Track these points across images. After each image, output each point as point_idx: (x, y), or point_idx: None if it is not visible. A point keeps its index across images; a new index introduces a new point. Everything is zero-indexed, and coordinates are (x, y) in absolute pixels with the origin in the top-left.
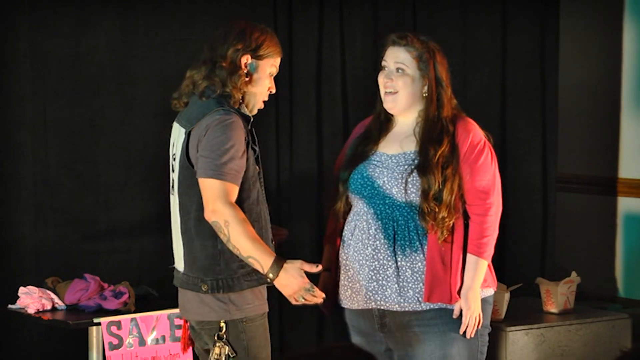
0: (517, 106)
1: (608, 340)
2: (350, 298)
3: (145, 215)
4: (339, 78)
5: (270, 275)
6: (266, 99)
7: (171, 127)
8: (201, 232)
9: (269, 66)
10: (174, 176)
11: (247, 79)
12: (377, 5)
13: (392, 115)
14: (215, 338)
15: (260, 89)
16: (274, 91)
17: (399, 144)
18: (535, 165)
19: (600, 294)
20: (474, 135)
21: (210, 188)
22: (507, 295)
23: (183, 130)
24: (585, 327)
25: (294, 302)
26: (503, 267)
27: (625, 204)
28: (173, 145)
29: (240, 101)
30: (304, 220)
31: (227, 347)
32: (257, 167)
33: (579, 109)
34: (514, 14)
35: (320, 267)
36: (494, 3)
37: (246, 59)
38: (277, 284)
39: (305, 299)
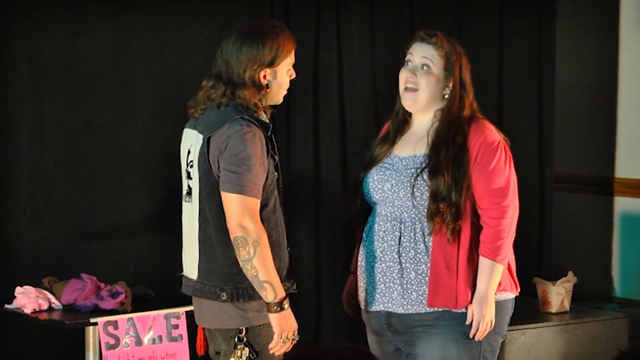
0: (514, 106)
1: (605, 340)
2: (364, 299)
3: (141, 215)
4: (336, 77)
5: (277, 307)
6: (288, 86)
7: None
8: (223, 241)
9: (287, 65)
10: (191, 183)
11: (268, 90)
12: (374, 5)
13: (410, 114)
14: (236, 340)
15: (282, 88)
16: (294, 76)
17: (412, 145)
18: (532, 165)
19: (597, 293)
20: (486, 137)
21: (236, 203)
22: None
23: (201, 137)
24: (582, 326)
25: (278, 339)
26: None
27: (622, 204)
28: (189, 152)
29: (263, 108)
30: (301, 219)
31: (247, 349)
32: (276, 174)
33: (576, 108)
34: (510, 14)
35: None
36: (491, 3)
37: (264, 74)
38: (279, 316)
39: (288, 340)
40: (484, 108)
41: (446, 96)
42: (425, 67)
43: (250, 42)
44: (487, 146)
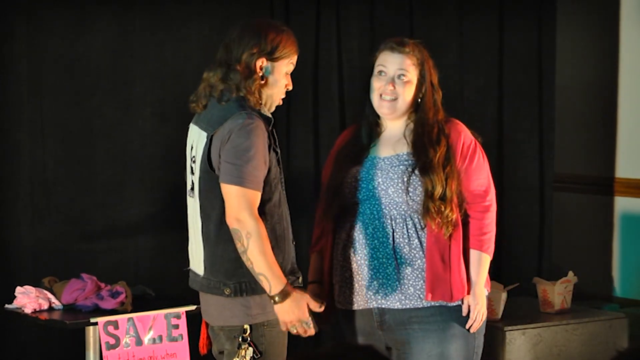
0: (514, 106)
1: (605, 339)
2: (349, 299)
3: (142, 214)
4: (336, 77)
5: (276, 299)
6: (284, 96)
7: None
8: (223, 235)
9: (285, 66)
10: (194, 179)
11: (262, 82)
12: (374, 5)
13: (380, 119)
14: (240, 340)
15: (277, 89)
16: (290, 88)
17: (391, 146)
18: (533, 165)
19: (597, 293)
20: (465, 137)
21: (235, 195)
22: (504, 295)
23: (204, 134)
24: (582, 326)
25: (284, 329)
26: (500, 266)
27: (622, 204)
28: (192, 148)
29: (261, 102)
30: (301, 219)
31: (251, 349)
32: (278, 168)
33: (576, 108)
34: (510, 14)
35: (323, 307)
36: (491, 3)
37: (261, 62)
38: (279, 308)
39: (297, 330)
40: (484, 108)
41: (419, 100)
42: (402, 77)
43: (254, 32)
44: (467, 147)
